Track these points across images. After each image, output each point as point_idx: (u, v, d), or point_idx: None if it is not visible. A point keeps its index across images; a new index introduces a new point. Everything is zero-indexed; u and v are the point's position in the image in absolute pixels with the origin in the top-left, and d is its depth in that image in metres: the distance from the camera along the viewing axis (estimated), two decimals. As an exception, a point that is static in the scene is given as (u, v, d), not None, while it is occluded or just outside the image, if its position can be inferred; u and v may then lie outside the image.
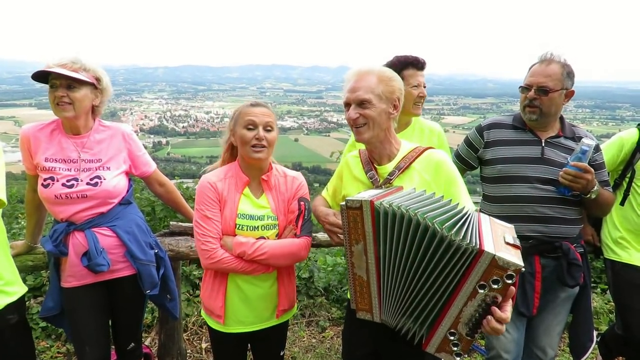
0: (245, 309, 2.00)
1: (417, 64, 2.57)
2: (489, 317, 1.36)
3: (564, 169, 2.16)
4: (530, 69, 2.32)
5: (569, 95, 2.28)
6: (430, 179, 1.78)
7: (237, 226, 1.93)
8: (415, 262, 1.47)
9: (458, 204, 1.60)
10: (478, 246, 1.32)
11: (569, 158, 2.17)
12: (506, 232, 1.48)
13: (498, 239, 1.40)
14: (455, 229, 1.39)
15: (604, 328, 3.67)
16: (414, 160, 1.81)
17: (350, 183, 1.96)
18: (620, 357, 3.13)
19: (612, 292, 2.66)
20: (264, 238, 1.95)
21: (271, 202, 1.99)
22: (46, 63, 2.02)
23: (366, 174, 1.88)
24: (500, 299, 1.35)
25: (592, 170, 2.13)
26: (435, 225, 1.39)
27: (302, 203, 2.03)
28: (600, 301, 4.20)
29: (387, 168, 1.84)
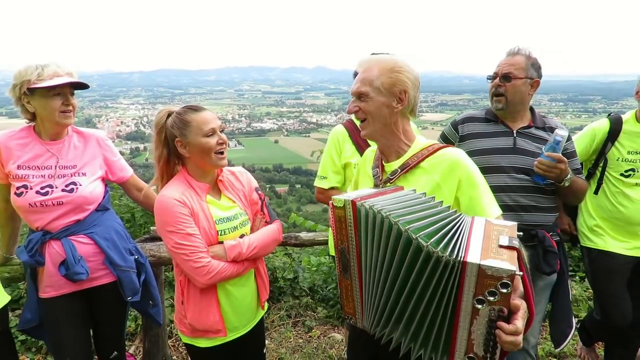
0: (238, 313, 1.98)
1: None
2: (499, 332, 1.21)
3: (538, 159, 2.23)
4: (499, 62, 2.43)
5: (535, 85, 2.37)
6: (440, 180, 1.61)
7: (220, 232, 1.89)
8: (396, 271, 1.38)
9: (455, 210, 1.46)
10: (462, 257, 1.20)
11: (543, 148, 2.24)
12: (503, 232, 1.33)
13: (490, 243, 1.27)
14: (436, 238, 1.28)
15: (584, 315, 3.75)
16: (423, 159, 1.65)
17: (363, 178, 1.88)
18: (600, 343, 3.21)
19: (590, 279, 2.73)
20: (244, 235, 1.96)
21: (235, 200, 1.99)
22: (50, 70, 1.97)
23: (372, 170, 1.80)
24: (506, 312, 1.20)
25: (566, 160, 2.20)
26: (410, 233, 1.29)
27: (259, 192, 2.08)
28: (579, 289, 4.30)
29: (392, 166, 1.71)
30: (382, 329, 1.48)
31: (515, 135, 2.37)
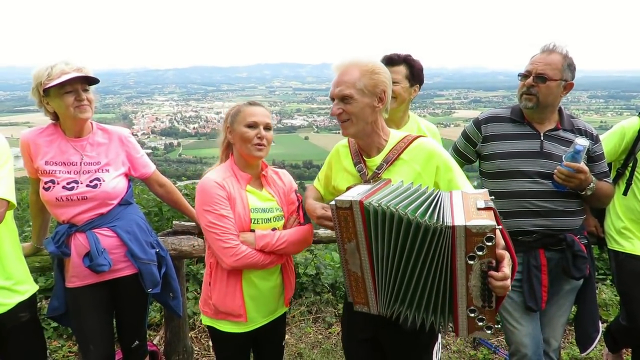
0: (259, 304, 2.04)
1: (390, 61, 2.58)
2: (491, 280, 1.40)
3: (557, 167, 2.16)
4: (531, 58, 2.31)
5: (568, 87, 2.26)
6: (421, 169, 1.79)
7: (253, 221, 1.97)
8: (405, 254, 1.51)
9: (433, 190, 1.64)
10: (450, 223, 1.39)
11: (563, 156, 2.16)
12: (478, 198, 1.53)
13: (470, 208, 1.46)
14: (428, 214, 1.46)
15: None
16: (402, 151, 1.81)
17: (339, 174, 1.97)
18: (628, 348, 3.10)
19: (616, 282, 2.64)
20: (276, 229, 2.02)
21: (275, 195, 2.06)
22: (58, 69, 2.04)
23: (355, 167, 1.89)
24: (494, 262, 1.40)
25: (586, 169, 2.13)
26: (418, 217, 1.44)
27: (298, 194, 2.13)
28: (609, 293, 4.15)
29: (375, 161, 1.85)
30: (399, 309, 1.62)
31: (542, 138, 2.28)
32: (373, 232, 1.53)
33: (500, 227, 1.40)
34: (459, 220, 1.39)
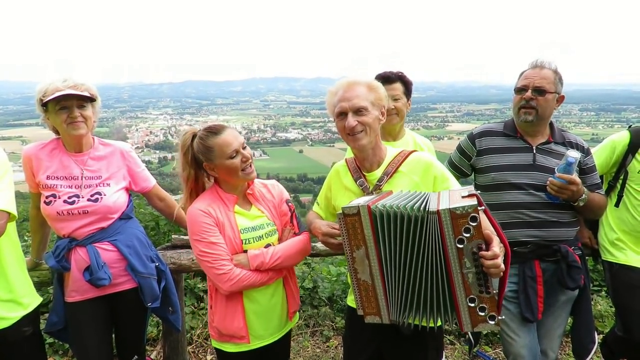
0: (265, 320, 2.03)
1: (387, 79, 2.68)
2: (482, 260, 1.43)
3: (549, 179, 2.21)
4: (522, 74, 2.38)
5: (560, 100, 2.34)
6: (419, 180, 1.87)
7: (244, 241, 1.96)
8: (409, 252, 1.56)
9: (426, 192, 1.72)
10: (435, 209, 1.46)
11: (556, 168, 2.22)
12: (463, 191, 1.61)
13: (455, 198, 1.54)
14: (421, 208, 1.53)
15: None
16: (400, 164, 1.90)
17: (340, 193, 2.01)
18: (624, 359, 3.12)
19: (611, 293, 2.67)
20: (270, 245, 2.01)
21: (264, 211, 2.05)
22: (53, 86, 2.05)
23: (355, 182, 1.93)
24: (484, 245, 1.44)
25: (578, 181, 2.18)
26: (413, 210, 1.53)
27: (290, 204, 2.13)
28: (605, 304, 4.17)
29: (375, 174, 1.92)
30: (409, 315, 1.62)
31: (535, 151, 2.34)
32: (381, 235, 1.57)
33: (484, 207, 1.45)
34: (444, 205, 1.46)
